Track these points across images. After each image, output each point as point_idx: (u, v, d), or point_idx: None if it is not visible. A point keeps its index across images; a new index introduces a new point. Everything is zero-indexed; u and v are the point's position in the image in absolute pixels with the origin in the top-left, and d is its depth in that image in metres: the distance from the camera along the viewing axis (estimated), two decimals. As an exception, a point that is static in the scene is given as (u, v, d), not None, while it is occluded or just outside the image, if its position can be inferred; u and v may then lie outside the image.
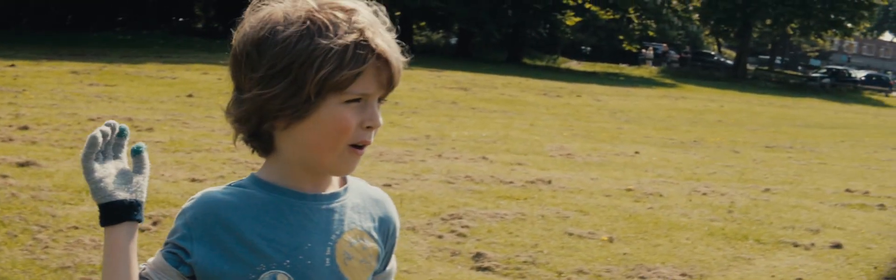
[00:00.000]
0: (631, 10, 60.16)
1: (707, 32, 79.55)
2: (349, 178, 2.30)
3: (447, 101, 23.95)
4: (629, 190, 11.68)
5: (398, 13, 60.25)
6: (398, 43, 2.10)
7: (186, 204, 2.13)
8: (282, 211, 2.13)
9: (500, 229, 8.98)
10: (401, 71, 2.06)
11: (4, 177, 9.47)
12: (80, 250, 7.16)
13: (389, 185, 10.74)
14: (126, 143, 2.18)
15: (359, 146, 2.08)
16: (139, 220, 2.10)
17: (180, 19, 56.50)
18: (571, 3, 59.87)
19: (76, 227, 7.82)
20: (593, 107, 26.41)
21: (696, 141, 18.55)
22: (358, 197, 2.29)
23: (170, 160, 11.26)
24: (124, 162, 2.17)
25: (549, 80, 38.64)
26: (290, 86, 1.99)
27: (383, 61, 2.00)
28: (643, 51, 71.66)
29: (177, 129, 14.13)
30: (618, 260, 8.14)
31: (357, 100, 2.02)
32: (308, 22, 2.01)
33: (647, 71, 66.28)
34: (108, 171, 2.15)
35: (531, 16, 61.70)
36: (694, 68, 71.65)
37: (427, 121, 18.70)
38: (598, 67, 65.98)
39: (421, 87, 28.39)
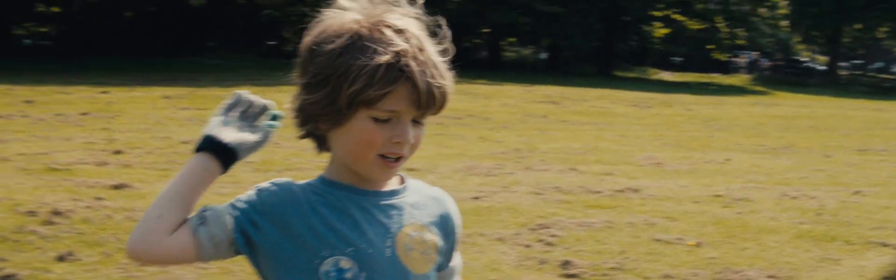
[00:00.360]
0: (718, 18, 59.82)
1: (798, 39, 78.99)
2: (407, 178, 2.48)
3: (538, 115, 24.03)
4: (718, 196, 11.69)
5: (487, 30, 60.56)
6: (449, 61, 2.25)
7: (266, 184, 2.32)
8: (345, 205, 2.31)
9: (587, 237, 9.06)
10: (438, 92, 2.19)
11: (99, 199, 9.74)
12: (173, 268, 7.36)
13: (478, 198, 10.84)
14: (262, 120, 2.38)
15: (389, 157, 2.24)
16: (224, 167, 2.28)
17: (270, 43, 57.09)
18: (659, 14, 59.77)
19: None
20: (684, 116, 26.34)
21: (787, 146, 18.46)
22: (417, 195, 2.46)
23: (261, 179, 11.47)
24: (251, 128, 2.35)
25: (639, 92, 38.53)
26: (328, 95, 2.19)
27: (412, 84, 2.14)
28: (733, 59, 71.17)
29: (268, 150, 14.28)
30: (705, 264, 8.20)
31: (388, 119, 2.19)
32: (355, 37, 2.18)
33: (739, 79, 65.86)
34: (231, 121, 2.33)
35: (619, 28, 61.68)
36: (786, 75, 71.00)
37: (517, 135, 18.80)
38: (690, 78, 65.66)
39: (511, 102, 28.50)
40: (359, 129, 2.21)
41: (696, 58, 79.59)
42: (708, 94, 41.68)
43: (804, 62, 79.92)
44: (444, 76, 2.21)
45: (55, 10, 53.84)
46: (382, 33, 2.18)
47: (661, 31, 63.44)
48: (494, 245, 8.69)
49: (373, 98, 2.14)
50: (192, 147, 2.28)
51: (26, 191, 10.18)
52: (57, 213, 8.95)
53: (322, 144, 2.35)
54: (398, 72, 2.14)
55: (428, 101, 2.18)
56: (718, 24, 61.34)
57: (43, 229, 8.42)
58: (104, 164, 12.39)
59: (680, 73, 71.81)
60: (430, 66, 2.18)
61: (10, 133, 15.30)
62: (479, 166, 13.67)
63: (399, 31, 2.20)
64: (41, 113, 18.80)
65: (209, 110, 13.29)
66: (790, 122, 25.31)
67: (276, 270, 2.28)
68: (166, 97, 23.85)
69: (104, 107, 20.62)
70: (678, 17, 60.64)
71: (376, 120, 2.19)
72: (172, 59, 46.12)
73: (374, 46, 2.16)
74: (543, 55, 68.66)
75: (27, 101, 21.18)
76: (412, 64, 2.15)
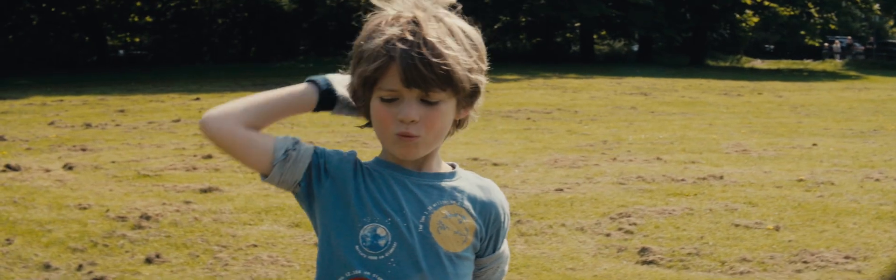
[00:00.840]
0: (810, 4, 59.18)
1: (891, 22, 77.92)
2: (459, 169, 2.69)
3: (626, 106, 24.01)
4: (801, 180, 11.67)
5: (578, 24, 60.42)
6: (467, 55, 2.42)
7: (341, 151, 2.60)
8: (389, 182, 2.53)
9: (667, 225, 9.13)
10: (428, 71, 2.33)
11: (188, 202, 9.98)
12: (258, 266, 7.56)
13: (561, 190, 10.93)
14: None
15: (404, 135, 2.41)
16: (318, 106, 2.55)
17: (360, 44, 57.27)
18: (749, 2, 59.23)
19: (255, 245, 8.26)
20: (774, 103, 26.13)
21: (876, 130, 18.28)
22: (464, 182, 2.65)
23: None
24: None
25: (730, 80, 38.23)
26: (352, 79, 2.47)
27: (399, 62, 2.32)
28: (826, 45, 70.29)
29: (358, 150, 14.49)
30: (782, 247, 8.24)
31: (394, 98, 2.38)
32: (372, 29, 2.43)
33: (832, 65, 65.06)
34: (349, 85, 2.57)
35: (710, 17, 61.16)
36: (880, 59, 69.98)
37: (605, 127, 18.83)
38: (782, 64, 65.00)
39: (600, 94, 28.50)
40: (373, 109, 2.44)
41: (788, 44, 78.91)
42: (799, 81, 41.28)
43: (898, 45, 78.82)
44: (443, 55, 2.33)
45: (148, 19, 54.63)
46: (392, 24, 2.39)
47: (752, 18, 62.94)
48: (574, 235, 8.81)
49: (370, 77, 2.37)
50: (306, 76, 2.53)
51: (117, 197, 10.45)
52: (146, 217, 9.20)
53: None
54: (384, 51, 2.33)
55: (417, 79, 2.32)
56: (810, 10, 60.68)
57: (132, 233, 8.67)
58: (194, 168, 12.64)
59: (772, 61, 71.18)
60: (422, 46, 2.32)
61: (103, 142, 15.63)
62: (564, 159, 13.75)
63: (408, 21, 2.39)
64: (134, 121, 19.16)
65: (299, 114, 13.57)
66: (881, 106, 25.02)
67: (325, 225, 2.54)
68: (257, 102, 24.12)
69: (196, 113, 20.92)
70: (769, 3, 60.09)
71: (382, 100, 2.39)
72: (264, 65, 46.59)
73: (378, 33, 2.38)
74: (635, 47, 68.40)
75: (120, 111, 21.57)
76: (398, 45, 2.32)
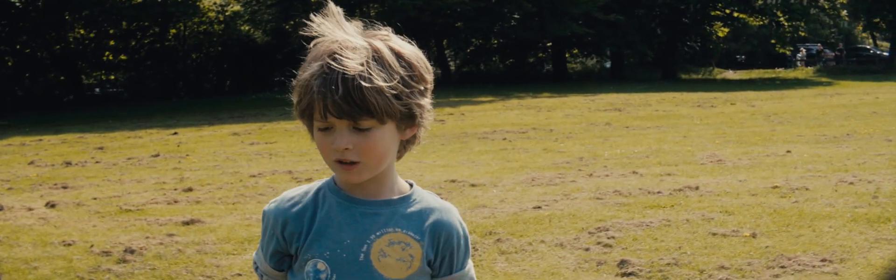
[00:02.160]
0: (778, 13, 59.56)
1: (860, 28, 78.26)
2: (417, 190, 2.74)
3: (601, 123, 24.15)
4: (776, 187, 11.79)
5: (549, 43, 60.71)
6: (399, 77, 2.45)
7: (268, 205, 2.71)
8: (334, 211, 2.61)
9: (645, 237, 9.24)
10: (344, 102, 2.38)
11: (171, 235, 10.05)
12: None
13: (539, 207, 11.03)
14: None
15: (344, 162, 2.50)
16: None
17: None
18: (718, 13, 59.64)
19: (240, 274, 8.34)
20: (747, 113, 26.30)
21: (848, 134, 18.44)
22: (416, 205, 2.70)
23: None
24: None
25: (703, 92, 38.51)
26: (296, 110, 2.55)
27: (321, 96, 2.40)
28: (789, 53, 70.57)
29: (335, 177, 14.59)
30: (759, 253, 8.35)
31: (328, 127, 2.47)
32: (306, 63, 2.52)
33: (803, 72, 65.41)
34: None
35: (680, 31, 61.56)
36: (850, 64, 70.41)
37: (581, 144, 18.94)
38: (754, 74, 65.40)
39: (574, 112, 28.66)
40: (315, 138, 2.53)
41: (759, 54, 79.30)
42: (771, 90, 41.50)
43: (869, 50, 79.15)
44: (359, 88, 2.37)
45: (123, 57, 54.73)
46: (316, 59, 2.47)
47: (722, 30, 63.33)
48: (554, 250, 8.90)
49: (303, 110, 2.47)
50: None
51: (101, 232, 10.51)
52: (130, 251, 9.27)
53: None
54: (306, 86, 2.43)
55: (337, 112, 2.40)
56: (779, 19, 61.05)
57: (117, 267, 8.74)
58: (175, 202, 12.71)
59: (744, 71, 71.59)
60: (338, 81, 2.39)
61: (84, 179, 15.68)
62: (541, 177, 13.85)
63: (344, 49, 2.44)
64: (113, 158, 19.22)
65: (277, 144, 13.80)
66: (852, 110, 25.21)
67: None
68: (235, 134, 24.27)
69: (174, 148, 21.03)
70: (738, 14, 60.50)
71: (319, 129, 2.48)
72: (240, 97, 46.80)
73: (306, 69, 2.48)
74: (607, 64, 68.71)
75: (99, 148, 21.63)
76: (316, 82, 2.41)
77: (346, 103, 2.37)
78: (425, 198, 2.74)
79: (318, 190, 2.66)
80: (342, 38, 2.47)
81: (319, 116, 2.43)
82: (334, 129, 2.46)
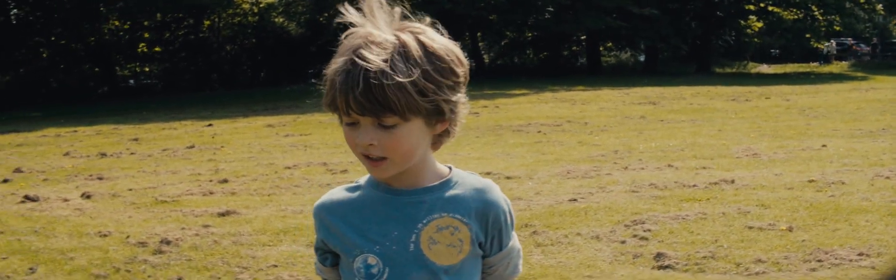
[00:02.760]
0: (813, 7, 59.24)
1: (895, 22, 77.85)
2: (456, 172, 2.72)
3: (635, 116, 24.08)
4: (812, 181, 11.75)
5: (583, 37, 60.59)
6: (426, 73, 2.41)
7: (316, 204, 2.73)
8: (377, 205, 2.62)
9: (681, 230, 9.21)
10: (365, 99, 2.36)
11: (207, 226, 10.09)
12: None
13: (575, 200, 11.02)
14: None
15: (371, 157, 2.50)
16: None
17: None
18: (753, 7, 59.37)
19: (275, 266, 8.36)
20: (782, 107, 26.17)
21: (884, 129, 18.33)
22: (458, 188, 2.67)
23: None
24: None
25: (737, 86, 38.34)
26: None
27: (343, 93, 2.38)
28: (820, 48, 70.16)
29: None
30: (796, 247, 8.31)
31: (354, 123, 2.46)
32: (334, 57, 2.49)
33: (838, 67, 65.09)
34: None
35: (715, 25, 61.30)
36: (885, 59, 70.04)
37: (615, 137, 18.89)
38: (789, 69, 65.10)
39: (609, 105, 28.58)
40: (343, 133, 2.52)
41: (794, 48, 78.96)
42: (806, 84, 41.30)
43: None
44: (380, 86, 2.35)
45: (157, 49, 54.89)
46: (342, 54, 2.45)
47: (756, 24, 63.05)
48: (590, 243, 8.89)
49: (330, 105, 2.46)
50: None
51: (136, 223, 10.56)
52: (166, 242, 9.31)
53: None
54: (331, 81, 2.42)
55: (359, 109, 2.38)
56: (814, 13, 60.73)
57: (154, 258, 8.78)
58: (210, 193, 12.75)
59: (779, 65, 71.28)
60: (359, 78, 2.36)
61: (119, 170, 15.76)
62: (576, 169, 13.83)
63: (368, 43, 2.42)
64: (148, 149, 19.29)
65: (311, 135, 13.79)
66: (888, 105, 25.02)
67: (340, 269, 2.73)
68: (269, 126, 24.31)
69: (209, 139, 21.08)
70: (773, 8, 60.22)
71: (346, 124, 2.47)
72: (274, 89, 46.90)
73: (332, 64, 2.46)
74: (642, 57, 68.53)
75: (134, 139, 21.71)
76: (339, 78, 2.39)
77: (368, 101, 2.35)
78: (466, 179, 2.72)
79: (360, 185, 2.69)
80: (369, 33, 2.44)
81: (343, 112, 2.43)
82: (359, 125, 2.45)
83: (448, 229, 2.62)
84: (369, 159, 2.49)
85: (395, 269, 2.58)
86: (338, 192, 2.71)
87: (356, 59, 2.37)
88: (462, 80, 2.53)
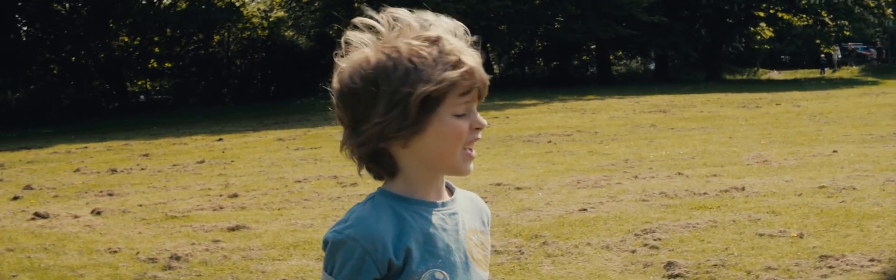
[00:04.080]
0: (823, 12, 59.17)
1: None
2: (452, 186, 2.73)
3: (646, 124, 24.05)
4: (822, 187, 11.71)
5: (593, 46, 60.59)
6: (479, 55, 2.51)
7: (339, 237, 2.44)
8: (425, 219, 2.55)
9: (691, 238, 9.19)
10: (486, 80, 2.47)
11: (216, 241, 10.09)
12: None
13: (585, 210, 11.00)
14: None
15: (468, 149, 2.52)
16: None
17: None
18: (762, 14, 59.32)
19: None
20: (792, 113, 26.13)
21: (895, 133, 18.33)
22: (463, 200, 2.72)
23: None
24: None
25: (748, 93, 38.27)
26: (401, 109, 2.40)
27: (471, 76, 2.42)
28: (822, 56, 69.91)
29: (379, 183, 14.59)
30: (807, 254, 8.28)
31: (465, 113, 2.46)
32: (406, 57, 2.42)
33: (849, 72, 65.07)
34: None
35: (725, 32, 61.26)
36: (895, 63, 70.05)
37: (626, 146, 18.87)
38: (799, 74, 65.14)
39: (619, 114, 28.55)
40: (446, 128, 2.45)
41: (804, 54, 78.91)
42: (817, 90, 41.24)
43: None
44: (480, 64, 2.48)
45: (168, 65, 55.00)
46: (424, 48, 2.43)
47: (766, 31, 63.00)
48: (600, 253, 8.87)
49: (443, 95, 2.40)
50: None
51: (146, 239, 10.56)
52: (176, 257, 9.30)
53: (386, 168, 2.56)
54: (460, 69, 2.40)
55: (485, 90, 2.47)
56: (824, 18, 60.67)
57: (164, 274, 8.78)
58: (220, 208, 12.76)
59: (789, 71, 71.29)
60: (476, 57, 2.47)
61: (129, 186, 15.77)
62: (587, 179, 13.81)
63: (438, 39, 2.45)
64: (158, 164, 19.31)
65: (321, 149, 13.77)
66: (899, 110, 25.04)
67: None
68: (280, 140, 24.33)
69: (219, 154, 21.10)
70: (783, 15, 60.17)
71: (456, 115, 2.45)
72: (284, 103, 46.96)
73: (429, 58, 2.41)
74: (652, 65, 68.52)
75: (144, 155, 21.74)
76: (468, 59, 2.43)
77: (485, 81, 2.48)
78: (459, 191, 2.76)
79: (383, 204, 2.54)
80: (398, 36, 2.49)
81: (466, 98, 2.45)
82: (470, 111, 2.48)
83: (478, 238, 2.67)
84: (467, 151, 2.54)
85: None
86: (370, 216, 2.50)
87: (462, 43, 2.49)
88: None
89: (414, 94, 2.38)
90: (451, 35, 2.49)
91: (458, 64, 2.40)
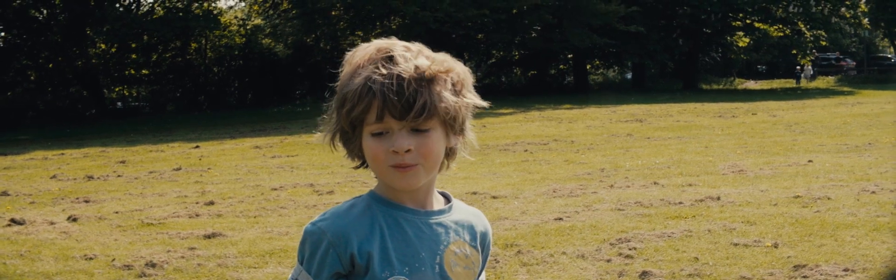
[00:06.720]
0: (799, 22, 59.40)
1: (882, 37, 78.07)
2: (452, 198, 2.74)
3: (622, 134, 24.11)
4: (797, 197, 11.78)
5: (570, 55, 60.69)
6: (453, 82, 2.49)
7: (310, 227, 2.55)
8: (401, 225, 2.57)
9: (666, 247, 9.22)
10: (417, 104, 2.39)
11: (192, 249, 10.07)
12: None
13: (560, 219, 11.02)
14: None
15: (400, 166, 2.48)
16: None
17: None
18: (739, 24, 59.55)
19: (261, 287, 8.36)
20: (768, 123, 26.24)
21: (870, 143, 18.40)
22: (460, 214, 2.72)
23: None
24: None
25: (724, 102, 38.46)
26: (341, 122, 2.49)
27: (381, 98, 2.38)
28: (797, 68, 70.08)
29: (357, 190, 14.62)
30: (781, 263, 8.33)
31: (383, 132, 2.44)
32: (353, 70, 2.49)
33: (825, 82, 65.39)
34: None
35: (702, 42, 61.47)
36: (871, 73, 70.33)
37: (602, 155, 18.92)
38: (775, 84, 65.40)
39: (596, 123, 28.62)
40: (366, 146, 2.48)
41: (781, 64, 79.22)
42: (793, 99, 41.42)
43: (890, 59, 78.95)
44: (420, 88, 2.40)
45: (145, 72, 54.88)
46: (369, 62, 2.46)
47: (743, 40, 63.24)
48: (575, 262, 8.89)
49: (357, 117, 2.43)
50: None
51: (122, 246, 10.54)
52: (151, 264, 9.29)
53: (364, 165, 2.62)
54: (367, 89, 2.39)
55: (400, 112, 2.39)
56: (800, 28, 60.89)
57: (139, 281, 8.76)
58: (196, 215, 12.73)
59: (766, 81, 71.55)
60: (399, 79, 2.39)
61: (106, 193, 15.72)
62: (562, 188, 13.84)
63: (384, 59, 2.45)
64: (135, 172, 19.26)
65: (298, 157, 13.74)
66: (874, 120, 25.13)
67: None
68: (256, 147, 24.29)
69: (196, 161, 21.06)
70: (759, 24, 60.40)
71: (373, 135, 2.44)
72: (262, 110, 46.91)
73: (356, 74, 2.45)
74: (629, 75, 68.68)
75: (121, 162, 21.66)
76: (377, 80, 2.39)
77: (408, 103, 2.40)
78: (460, 204, 2.78)
79: (367, 205, 2.59)
80: (386, 44, 2.53)
81: (379, 119, 2.42)
82: (391, 133, 2.43)
83: (462, 252, 2.66)
84: (400, 168, 2.47)
85: None
86: (345, 214, 2.57)
87: (390, 64, 2.43)
88: (467, 93, 2.58)
89: (344, 111, 2.46)
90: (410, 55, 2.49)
91: (372, 84, 2.41)
